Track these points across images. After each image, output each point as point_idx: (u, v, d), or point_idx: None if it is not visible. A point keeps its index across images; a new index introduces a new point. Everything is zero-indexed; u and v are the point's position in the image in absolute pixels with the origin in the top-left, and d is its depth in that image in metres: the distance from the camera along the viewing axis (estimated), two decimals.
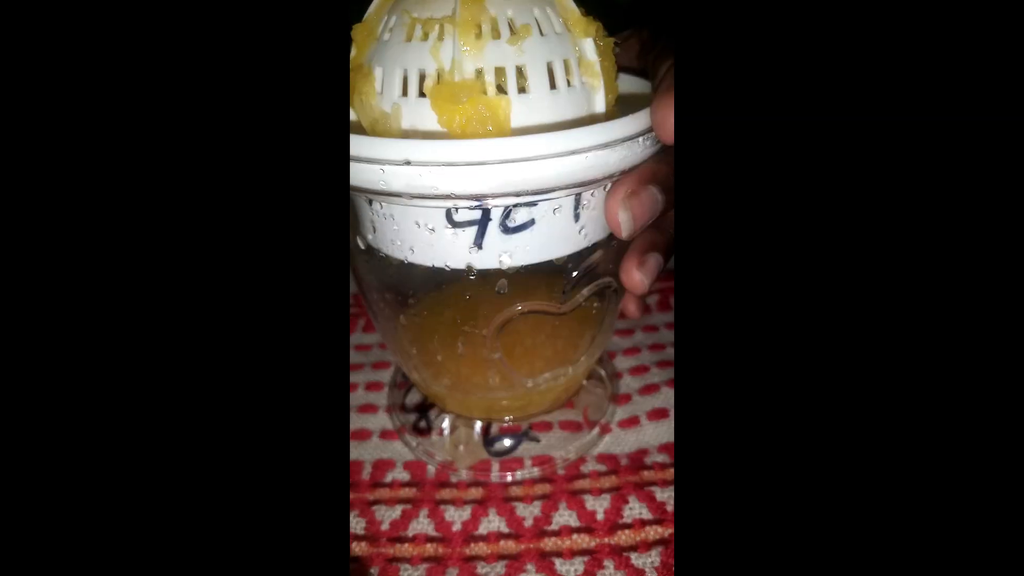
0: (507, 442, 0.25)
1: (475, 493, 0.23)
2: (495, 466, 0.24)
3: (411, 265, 0.19)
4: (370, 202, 0.19)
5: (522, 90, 0.17)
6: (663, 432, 0.26)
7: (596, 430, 0.26)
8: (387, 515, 0.23)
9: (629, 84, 0.21)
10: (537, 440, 0.25)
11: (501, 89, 0.17)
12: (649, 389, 0.28)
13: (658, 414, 0.26)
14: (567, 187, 0.17)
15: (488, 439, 0.25)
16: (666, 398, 0.27)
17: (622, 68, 0.21)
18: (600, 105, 0.18)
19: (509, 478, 0.24)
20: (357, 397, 0.29)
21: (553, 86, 0.17)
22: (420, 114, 0.17)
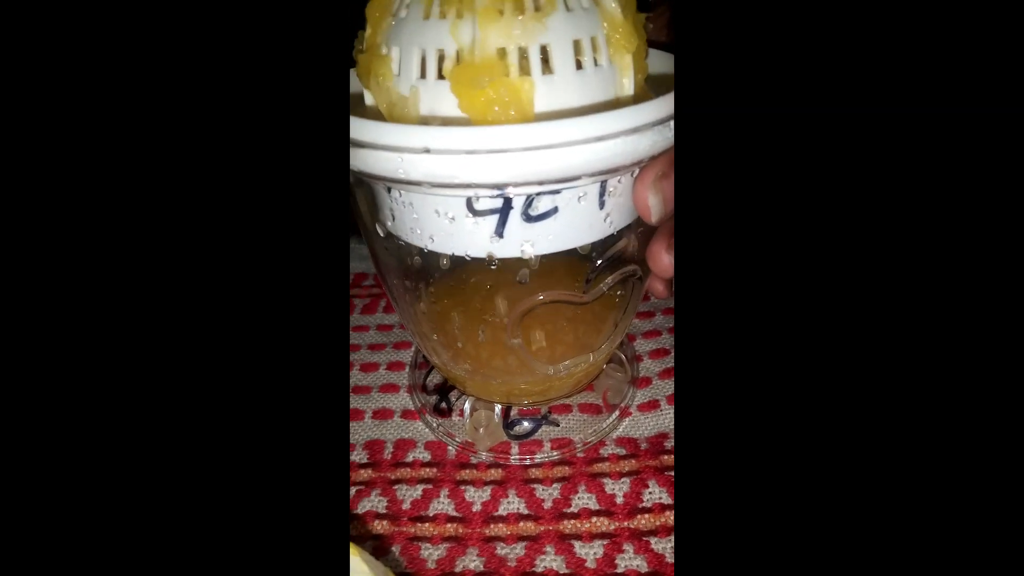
0: (527, 425, 0.25)
1: (495, 474, 0.24)
2: (515, 448, 0.24)
3: (431, 253, 0.19)
4: (389, 190, 0.18)
5: (547, 71, 0.16)
6: None
7: (616, 414, 0.26)
8: (408, 494, 0.23)
9: (658, 62, 0.20)
10: (556, 424, 0.25)
11: (524, 70, 0.16)
12: (669, 373, 0.27)
13: None
14: (593, 174, 0.16)
15: (508, 422, 0.25)
16: None
17: (651, 42, 0.20)
18: (629, 86, 0.17)
19: (528, 460, 0.24)
20: (379, 376, 0.29)
21: (580, 66, 0.16)
22: (439, 97, 0.16)
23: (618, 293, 0.21)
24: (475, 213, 0.17)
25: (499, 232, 0.17)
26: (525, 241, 0.18)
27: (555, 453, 0.24)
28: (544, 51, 0.16)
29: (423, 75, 0.17)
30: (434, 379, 0.28)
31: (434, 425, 0.26)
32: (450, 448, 0.25)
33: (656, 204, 0.18)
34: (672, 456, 0.24)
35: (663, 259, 0.19)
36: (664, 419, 0.25)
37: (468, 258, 0.18)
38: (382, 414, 0.27)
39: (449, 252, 0.18)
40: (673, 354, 0.28)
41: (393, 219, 0.19)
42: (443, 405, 0.26)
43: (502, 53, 0.16)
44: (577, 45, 0.16)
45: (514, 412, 0.26)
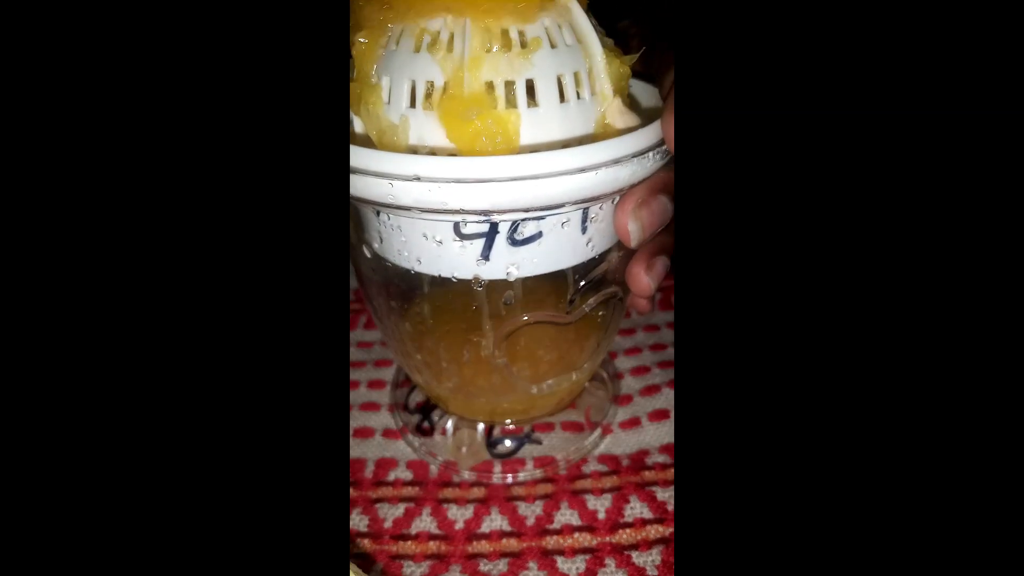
0: (509, 444, 0.25)
1: (477, 492, 0.24)
2: (497, 467, 0.25)
3: (418, 274, 0.19)
4: (377, 213, 0.18)
5: (532, 103, 0.17)
6: (664, 433, 0.26)
7: (598, 431, 0.26)
8: (390, 513, 0.23)
9: (637, 92, 0.21)
10: (539, 442, 0.26)
11: (510, 102, 0.17)
12: (650, 390, 0.28)
13: (659, 415, 0.27)
14: (576, 203, 0.17)
15: (491, 440, 0.25)
16: (667, 399, 0.28)
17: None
18: (610, 119, 0.18)
19: (510, 479, 0.24)
20: (359, 395, 0.29)
21: (563, 99, 0.17)
22: (428, 126, 0.17)
23: (600, 313, 0.21)
24: (462, 237, 0.18)
25: (485, 255, 0.18)
26: (510, 264, 0.18)
27: (538, 471, 0.25)
28: (530, 85, 0.17)
29: (412, 104, 0.17)
30: (416, 398, 0.28)
31: (416, 444, 0.26)
32: (432, 467, 0.25)
33: (636, 229, 0.19)
34: (653, 472, 0.24)
35: (642, 279, 0.20)
36: (645, 436, 0.26)
37: (455, 279, 0.19)
38: (363, 432, 0.27)
39: (436, 274, 0.19)
40: (653, 371, 0.29)
41: (381, 241, 0.19)
42: (425, 424, 0.27)
43: (489, 86, 0.16)
44: (560, 80, 0.17)
45: (497, 431, 0.26)
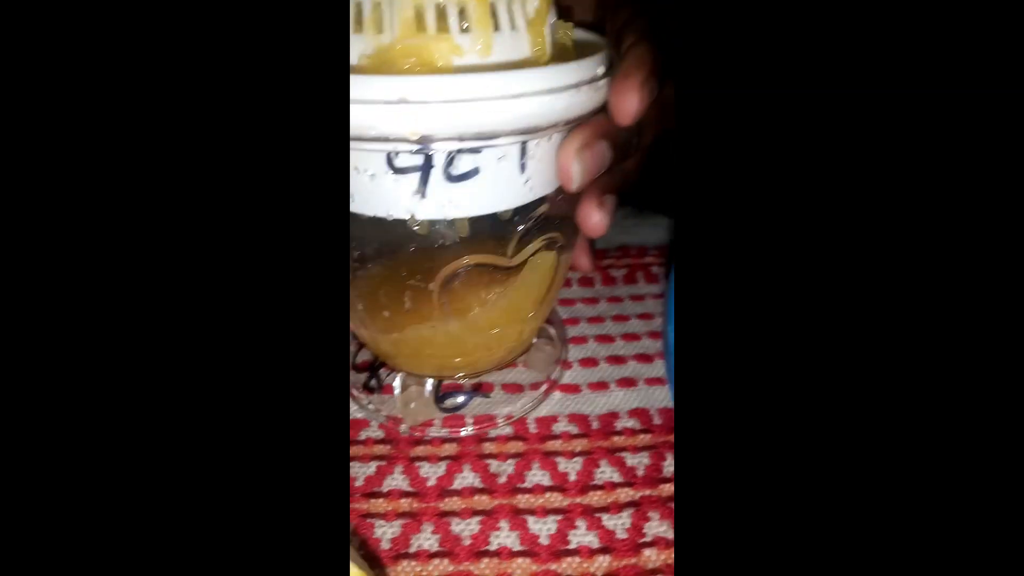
0: (458, 399, 0.25)
1: (450, 449, 0.24)
2: (437, 422, 0.24)
3: (354, 217, 0.19)
4: None
5: (464, 30, 0.17)
6: (632, 398, 0.26)
7: (543, 387, 0.26)
8: (361, 471, 0.23)
9: (580, 37, 0.21)
10: (487, 396, 0.25)
11: (442, 28, 0.16)
12: (618, 360, 0.28)
13: (627, 383, 0.26)
14: (511, 133, 0.17)
15: (439, 396, 0.25)
16: (634, 370, 0.27)
17: (577, 23, 0.20)
18: (543, 53, 0.18)
19: (472, 430, 0.24)
20: None
21: (497, 28, 0.17)
22: (355, 50, 0.17)
23: (542, 261, 0.21)
24: (396, 171, 0.17)
25: (421, 192, 0.18)
26: (448, 202, 0.18)
27: (508, 428, 0.24)
28: (462, 12, 0.17)
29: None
30: (363, 357, 0.27)
31: (364, 402, 0.25)
32: (372, 423, 0.24)
33: (578, 171, 0.18)
34: (623, 437, 0.24)
35: (594, 216, 0.20)
36: (614, 399, 0.26)
37: (390, 219, 0.18)
38: None
39: (371, 213, 0.18)
40: (618, 342, 0.29)
41: None
42: (373, 383, 0.26)
43: (419, 12, 0.16)
44: (494, 7, 0.17)
45: (445, 387, 0.25)
